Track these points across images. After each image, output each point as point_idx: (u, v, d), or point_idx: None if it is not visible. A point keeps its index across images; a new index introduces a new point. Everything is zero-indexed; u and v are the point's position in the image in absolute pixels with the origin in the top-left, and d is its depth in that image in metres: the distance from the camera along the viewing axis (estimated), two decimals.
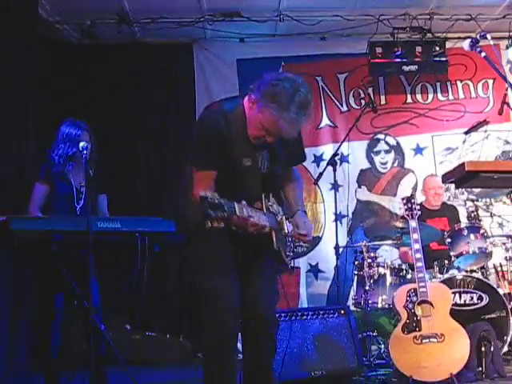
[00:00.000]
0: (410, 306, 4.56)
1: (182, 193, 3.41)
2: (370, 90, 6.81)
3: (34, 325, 5.19)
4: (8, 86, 5.42)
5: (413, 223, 4.82)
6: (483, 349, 4.76)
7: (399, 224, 5.57)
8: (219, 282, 3.24)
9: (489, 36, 3.48)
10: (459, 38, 6.91)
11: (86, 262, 3.98)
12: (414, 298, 4.57)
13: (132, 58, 7.20)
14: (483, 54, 3.37)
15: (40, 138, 5.71)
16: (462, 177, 3.30)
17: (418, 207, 4.92)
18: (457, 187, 3.96)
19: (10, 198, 5.18)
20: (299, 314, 4.86)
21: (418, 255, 4.68)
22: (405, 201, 4.94)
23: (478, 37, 3.40)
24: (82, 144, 4.33)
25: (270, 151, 3.34)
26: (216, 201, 2.80)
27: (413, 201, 4.90)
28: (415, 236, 4.77)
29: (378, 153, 7.31)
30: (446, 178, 3.53)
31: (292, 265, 6.69)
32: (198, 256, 3.34)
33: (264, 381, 3.49)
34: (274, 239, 3.25)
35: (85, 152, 4.28)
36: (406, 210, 4.89)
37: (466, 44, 3.44)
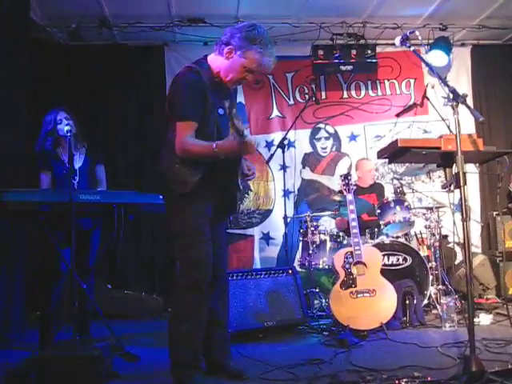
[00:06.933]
0: (347, 266, 4.48)
1: (165, 166, 3.09)
2: (313, 87, 6.68)
3: (28, 283, 4.95)
4: (2, 83, 5.12)
5: (349, 196, 4.73)
6: (407, 302, 4.74)
7: (337, 198, 5.51)
8: (202, 252, 3.02)
9: (417, 33, 3.30)
10: (387, 43, 6.88)
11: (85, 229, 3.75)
12: (351, 260, 4.50)
13: (112, 58, 6.84)
14: (412, 48, 3.20)
15: (32, 126, 5.42)
16: (395, 152, 3.16)
17: (354, 183, 4.84)
18: (390, 162, 3.83)
19: (4, 174, 4.94)
20: (253, 273, 4.73)
21: (354, 223, 4.59)
22: (342, 177, 4.85)
23: (407, 33, 3.23)
24: (66, 128, 4.10)
25: (231, 99, 3.22)
26: None
27: (349, 178, 4.82)
28: (351, 207, 4.67)
29: (319, 139, 7.19)
30: (381, 154, 3.39)
31: (247, 233, 6.62)
32: (184, 226, 3.06)
33: (221, 328, 3.35)
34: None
35: (68, 135, 4.05)
36: (343, 185, 4.80)
37: (397, 40, 3.27)
